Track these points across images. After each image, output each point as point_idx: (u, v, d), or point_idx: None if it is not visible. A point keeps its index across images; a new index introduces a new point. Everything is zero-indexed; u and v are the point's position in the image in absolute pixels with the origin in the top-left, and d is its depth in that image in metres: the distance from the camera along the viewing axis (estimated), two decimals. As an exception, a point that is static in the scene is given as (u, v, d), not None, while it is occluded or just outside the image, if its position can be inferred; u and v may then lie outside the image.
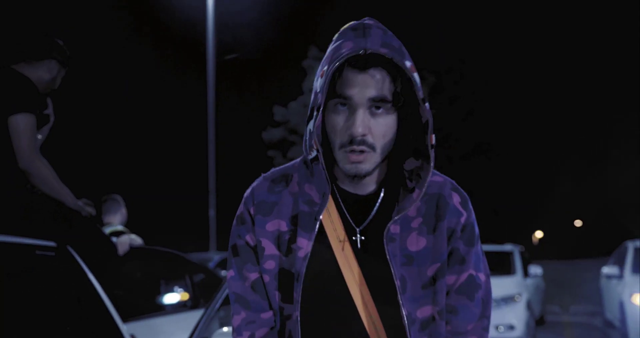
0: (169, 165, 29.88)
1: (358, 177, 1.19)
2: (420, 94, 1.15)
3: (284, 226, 1.23)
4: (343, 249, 1.20)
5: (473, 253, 1.27)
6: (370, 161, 1.16)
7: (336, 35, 1.22)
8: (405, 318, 1.17)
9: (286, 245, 1.21)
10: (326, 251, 1.20)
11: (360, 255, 1.21)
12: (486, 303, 1.27)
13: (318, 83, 1.18)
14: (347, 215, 1.22)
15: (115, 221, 3.68)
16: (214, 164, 17.90)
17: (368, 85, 1.13)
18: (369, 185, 1.24)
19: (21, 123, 2.40)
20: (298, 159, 1.31)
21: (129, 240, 3.07)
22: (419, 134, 1.19)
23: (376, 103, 1.15)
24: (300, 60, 27.34)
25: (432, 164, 1.18)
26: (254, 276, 1.25)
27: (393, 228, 1.20)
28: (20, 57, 2.59)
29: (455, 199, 1.26)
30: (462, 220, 1.25)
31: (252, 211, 1.25)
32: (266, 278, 1.23)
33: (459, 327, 1.24)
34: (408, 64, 1.15)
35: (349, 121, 1.15)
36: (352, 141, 1.14)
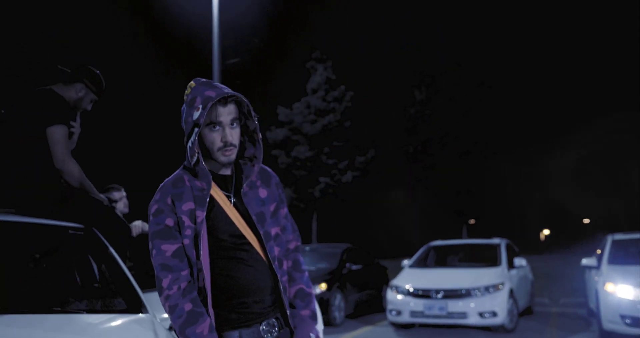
0: (174, 165, 30.39)
1: (229, 164, 2.03)
2: (253, 113, 2.03)
3: (192, 206, 1.97)
4: (229, 208, 2.01)
5: (285, 199, 2.19)
6: (234, 153, 2.01)
7: (190, 89, 2.03)
8: (263, 236, 2.00)
9: (194, 218, 1.95)
10: (221, 213, 1.99)
11: (237, 208, 2.02)
12: (294, 225, 2.19)
13: (194, 114, 1.95)
14: (221, 189, 2.04)
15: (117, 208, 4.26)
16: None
17: (229, 113, 1.98)
18: (229, 169, 2.07)
19: (56, 133, 3.00)
20: (179, 170, 2.09)
21: (142, 224, 3.67)
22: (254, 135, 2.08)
23: (232, 122, 1.99)
24: (303, 61, 27.90)
25: (261, 150, 2.06)
26: (173, 247, 1.93)
27: (244, 188, 2.05)
28: (57, 80, 3.21)
29: (271, 172, 2.17)
30: (278, 180, 2.17)
31: (169, 201, 1.98)
32: (186, 241, 1.94)
33: (288, 236, 2.15)
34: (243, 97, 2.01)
35: (221, 134, 1.98)
36: (225, 144, 1.98)
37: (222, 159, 1.99)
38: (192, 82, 2.04)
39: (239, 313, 1.94)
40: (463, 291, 8.47)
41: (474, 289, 8.46)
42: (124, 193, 4.42)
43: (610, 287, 7.62)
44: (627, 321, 7.22)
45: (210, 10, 18.90)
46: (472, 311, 8.32)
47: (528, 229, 54.81)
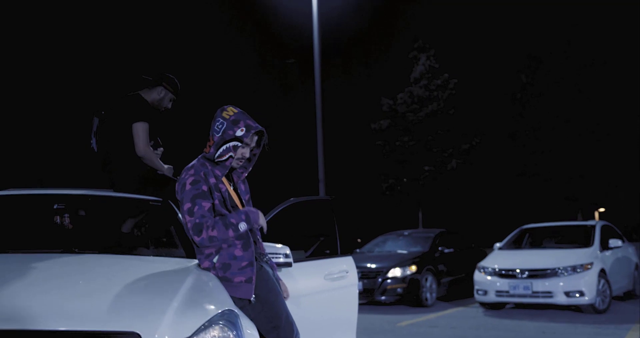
0: (282, 156, 31.80)
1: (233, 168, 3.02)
2: (265, 142, 3.05)
3: (215, 181, 2.86)
4: (231, 191, 2.97)
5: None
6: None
7: (233, 112, 2.96)
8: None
9: (216, 189, 2.86)
10: (228, 193, 2.95)
11: (235, 192, 3.01)
12: None
13: (237, 131, 2.89)
14: (228, 180, 3.01)
15: None
16: (322, 156, 19.25)
17: (253, 140, 2.98)
18: (227, 169, 2.95)
19: (139, 128, 3.77)
20: (199, 158, 2.96)
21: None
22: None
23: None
24: (405, 52, 28.04)
25: (252, 164, 3.08)
26: (209, 204, 2.80)
27: (238, 183, 3.07)
28: (142, 86, 4.00)
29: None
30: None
31: (202, 175, 2.86)
32: (216, 202, 2.85)
33: None
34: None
35: (242, 151, 2.93)
36: (242, 158, 2.95)
37: (234, 165, 2.96)
38: (232, 107, 2.97)
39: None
40: (548, 271, 8.53)
41: (559, 268, 8.49)
42: None
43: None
44: None
45: (310, 3, 19.71)
46: (558, 290, 8.37)
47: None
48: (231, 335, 2.14)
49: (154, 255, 3.27)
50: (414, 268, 10.30)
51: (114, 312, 2.04)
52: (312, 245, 4.19)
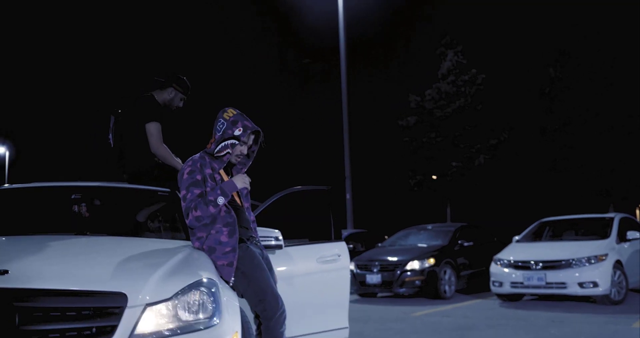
0: (309, 154, 32.16)
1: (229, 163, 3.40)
2: (262, 140, 3.47)
3: (211, 171, 3.23)
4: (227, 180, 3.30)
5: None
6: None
7: (232, 113, 3.34)
8: (244, 201, 3.40)
9: (210, 179, 3.21)
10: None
11: None
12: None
13: (235, 131, 3.27)
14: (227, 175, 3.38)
15: None
16: (348, 152, 19.53)
17: (249, 138, 3.38)
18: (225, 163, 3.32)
19: (151, 127, 4.12)
20: (201, 152, 3.33)
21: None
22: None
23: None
24: (433, 48, 28.06)
25: (251, 161, 3.47)
26: (198, 191, 3.16)
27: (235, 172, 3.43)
28: (154, 87, 4.35)
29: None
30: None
31: (198, 166, 3.23)
32: (208, 189, 3.19)
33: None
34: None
35: (240, 149, 3.33)
36: (240, 155, 3.35)
37: (233, 161, 3.35)
38: (231, 109, 3.34)
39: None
40: (562, 262, 8.63)
41: (573, 260, 8.59)
42: None
43: None
44: None
45: (335, 1, 19.95)
46: (571, 281, 8.47)
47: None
48: (207, 299, 2.45)
49: (161, 236, 3.63)
50: (432, 261, 10.50)
51: (105, 276, 2.36)
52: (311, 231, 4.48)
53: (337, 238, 4.13)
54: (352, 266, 10.87)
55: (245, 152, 3.34)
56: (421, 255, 10.63)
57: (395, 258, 10.69)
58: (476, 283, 11.44)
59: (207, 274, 2.63)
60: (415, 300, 10.44)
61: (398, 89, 28.87)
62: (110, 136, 4.37)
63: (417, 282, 10.34)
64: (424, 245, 11.43)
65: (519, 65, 31.45)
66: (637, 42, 22.65)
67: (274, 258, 3.55)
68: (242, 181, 3.22)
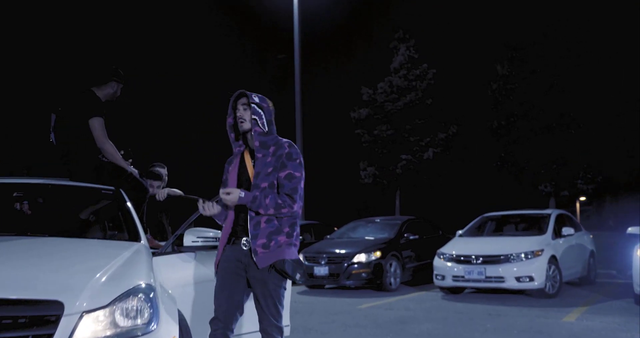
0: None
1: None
2: (251, 98, 3.20)
3: (227, 166, 3.32)
4: (249, 165, 3.20)
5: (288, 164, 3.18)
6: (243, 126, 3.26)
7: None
8: (253, 186, 3.12)
9: (225, 171, 3.30)
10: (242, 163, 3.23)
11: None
12: (289, 185, 3.14)
13: (230, 105, 3.28)
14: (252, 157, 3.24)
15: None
16: (301, 144, 19.59)
17: (238, 103, 3.31)
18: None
19: (95, 123, 4.10)
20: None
21: (168, 190, 4.74)
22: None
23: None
24: (386, 42, 28.38)
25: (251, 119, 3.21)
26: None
27: (257, 156, 3.17)
28: (94, 83, 4.32)
29: (284, 145, 3.16)
30: (286, 151, 3.15)
31: (226, 165, 3.35)
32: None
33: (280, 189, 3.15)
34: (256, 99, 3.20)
35: (238, 113, 3.27)
36: (241, 118, 3.23)
37: (242, 128, 3.19)
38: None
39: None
40: (501, 257, 9.00)
41: (511, 255, 8.96)
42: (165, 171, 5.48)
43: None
44: (654, 284, 7.48)
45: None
46: (509, 275, 8.85)
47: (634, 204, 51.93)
48: (145, 305, 2.51)
49: (101, 239, 3.63)
50: (378, 253, 10.74)
51: (42, 283, 2.38)
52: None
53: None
54: (300, 258, 11.01)
55: (242, 114, 3.18)
56: (368, 248, 10.86)
57: (342, 251, 10.89)
58: (421, 276, 11.77)
59: (145, 279, 2.67)
60: (362, 291, 10.68)
61: (351, 82, 29.07)
62: (52, 134, 4.34)
63: (363, 274, 10.56)
64: (371, 238, 11.67)
65: (469, 61, 32.16)
66: (582, 43, 23.50)
67: (212, 255, 3.62)
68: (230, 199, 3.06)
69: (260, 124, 3.15)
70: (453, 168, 26.52)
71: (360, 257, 10.64)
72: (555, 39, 24.18)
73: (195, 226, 3.71)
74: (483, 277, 8.99)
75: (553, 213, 10.53)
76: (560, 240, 9.85)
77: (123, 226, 3.68)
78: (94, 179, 4.07)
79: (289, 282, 3.34)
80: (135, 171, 4.32)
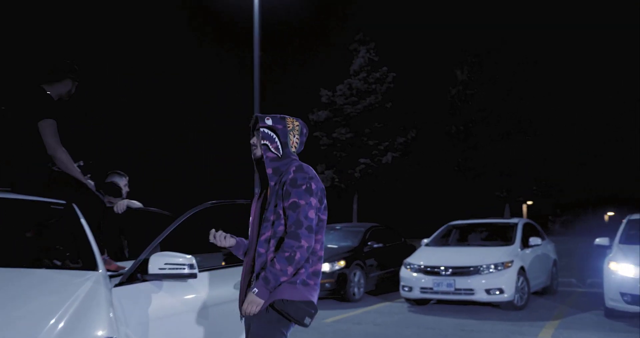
0: (217, 145, 31.40)
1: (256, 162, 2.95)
2: (259, 124, 2.88)
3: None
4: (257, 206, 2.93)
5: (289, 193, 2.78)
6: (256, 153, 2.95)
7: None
8: (263, 219, 2.78)
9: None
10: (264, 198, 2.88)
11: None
12: (292, 216, 2.71)
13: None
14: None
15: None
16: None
17: (254, 129, 3.00)
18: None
19: (45, 125, 3.54)
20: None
21: (128, 202, 4.21)
22: None
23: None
24: (346, 44, 28.11)
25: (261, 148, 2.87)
26: None
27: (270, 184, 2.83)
28: (46, 79, 3.75)
29: (291, 172, 2.75)
30: (287, 178, 2.73)
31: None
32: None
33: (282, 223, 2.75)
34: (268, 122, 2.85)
35: (252, 140, 2.93)
36: (253, 145, 2.91)
37: (254, 155, 2.89)
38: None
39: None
40: (471, 269, 8.75)
41: (481, 266, 8.72)
42: (124, 180, 4.90)
43: (613, 266, 7.75)
44: (627, 299, 7.36)
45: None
46: (478, 287, 8.60)
47: (590, 211, 53.54)
48: None
49: (50, 264, 3.07)
50: (342, 263, 10.36)
51: None
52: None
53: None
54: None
55: (253, 141, 2.90)
56: (331, 257, 10.46)
57: (305, 260, 10.44)
58: (384, 285, 11.46)
59: (106, 330, 2.19)
60: (325, 302, 10.27)
61: (311, 84, 28.72)
62: None
63: (327, 285, 10.16)
64: (334, 246, 11.28)
65: (428, 65, 32.29)
66: (539, 51, 23.80)
67: (182, 285, 3.14)
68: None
69: (272, 149, 2.81)
70: (412, 172, 26.48)
71: (324, 267, 10.23)
72: (513, 46, 24.43)
73: (163, 249, 3.21)
74: (452, 289, 8.72)
75: (520, 222, 10.38)
76: (528, 250, 9.70)
77: (76, 249, 3.13)
78: (42, 191, 3.52)
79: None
80: (91, 183, 3.77)
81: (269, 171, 2.78)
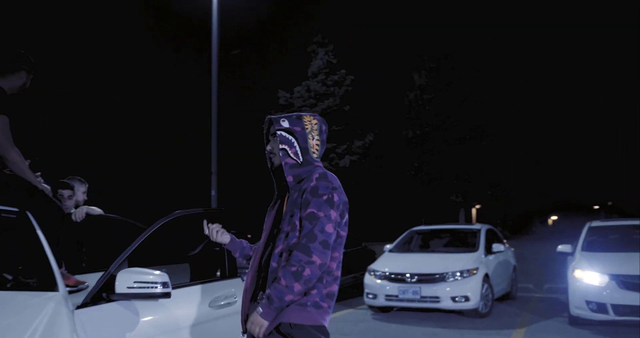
0: (174, 148, 30.71)
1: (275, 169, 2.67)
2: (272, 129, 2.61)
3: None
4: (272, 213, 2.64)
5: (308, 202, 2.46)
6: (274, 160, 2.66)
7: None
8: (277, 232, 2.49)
9: None
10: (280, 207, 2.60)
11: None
12: (306, 226, 2.40)
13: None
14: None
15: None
16: (216, 147, 18.64)
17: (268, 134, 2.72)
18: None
19: None
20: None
21: (87, 209, 3.83)
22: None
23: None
24: (305, 46, 27.87)
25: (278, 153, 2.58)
26: None
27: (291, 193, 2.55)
28: None
29: (313, 180, 2.44)
30: (307, 187, 2.42)
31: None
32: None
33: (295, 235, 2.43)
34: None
35: (267, 147, 2.66)
36: (270, 152, 2.65)
37: (273, 162, 2.63)
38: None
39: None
40: (437, 276, 8.62)
41: (447, 274, 8.61)
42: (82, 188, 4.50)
43: (578, 273, 7.75)
44: (592, 307, 7.35)
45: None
46: (444, 295, 8.48)
47: (534, 214, 54.99)
48: None
49: (2, 281, 2.68)
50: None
51: None
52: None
53: (232, 274, 3.46)
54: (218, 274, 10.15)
55: (269, 148, 2.64)
56: (293, 263, 10.17)
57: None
58: (346, 291, 11.25)
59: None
60: (286, 310, 9.97)
61: (269, 85, 28.34)
62: None
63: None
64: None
65: (387, 69, 32.40)
66: (496, 58, 24.18)
67: (153, 304, 2.82)
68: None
69: (292, 154, 2.50)
70: (369, 176, 26.45)
71: (286, 273, 9.93)
72: (470, 53, 24.74)
73: (131, 264, 2.88)
74: (418, 297, 8.57)
75: (482, 228, 10.35)
76: (491, 257, 9.67)
77: (31, 265, 2.76)
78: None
79: None
80: (47, 188, 3.39)
81: (289, 178, 2.48)
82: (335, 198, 2.39)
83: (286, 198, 2.51)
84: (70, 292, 2.94)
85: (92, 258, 4.18)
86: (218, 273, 4.04)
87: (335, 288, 2.44)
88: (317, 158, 2.56)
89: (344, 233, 2.45)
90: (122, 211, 4.58)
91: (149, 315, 2.76)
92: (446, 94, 24.65)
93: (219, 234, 2.68)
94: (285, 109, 26.52)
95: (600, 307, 7.28)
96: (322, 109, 25.91)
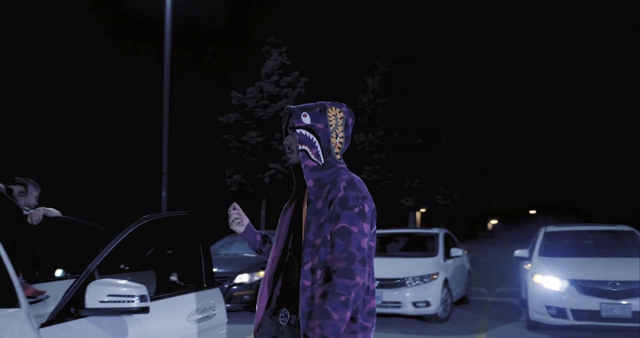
0: (124, 147, 29.81)
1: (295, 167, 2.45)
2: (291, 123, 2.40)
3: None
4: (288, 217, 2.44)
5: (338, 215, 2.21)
6: (291, 158, 2.45)
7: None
8: (303, 243, 2.19)
9: None
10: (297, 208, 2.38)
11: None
12: (341, 245, 2.15)
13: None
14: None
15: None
16: (167, 147, 18.11)
17: (288, 127, 2.50)
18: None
19: None
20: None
21: (44, 211, 3.51)
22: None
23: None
24: (259, 46, 27.54)
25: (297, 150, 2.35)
26: None
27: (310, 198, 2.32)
28: None
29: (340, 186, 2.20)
30: (336, 195, 2.18)
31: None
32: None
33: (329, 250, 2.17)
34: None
35: (286, 141, 2.44)
36: (289, 148, 2.41)
37: (290, 160, 2.42)
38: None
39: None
40: (397, 281, 8.54)
41: (408, 279, 8.55)
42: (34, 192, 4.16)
43: (538, 278, 7.81)
44: (552, 312, 7.42)
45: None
46: (406, 300, 8.41)
47: (475, 218, 56.29)
48: None
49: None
50: (262, 274, 9.84)
51: None
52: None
53: (210, 284, 3.22)
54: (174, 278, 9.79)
55: (287, 142, 2.41)
56: (250, 267, 9.92)
57: (222, 270, 9.82)
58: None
59: None
60: (242, 316, 9.68)
61: (222, 84, 27.84)
62: None
63: (245, 297, 9.60)
64: (252, 255, 10.74)
65: (340, 72, 32.43)
66: (449, 65, 24.53)
67: (128, 319, 2.55)
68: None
69: (312, 155, 2.26)
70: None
71: (243, 277, 9.67)
72: (422, 58, 25.01)
73: (103, 273, 2.59)
74: (379, 302, 8.46)
75: (440, 232, 10.36)
76: (449, 261, 9.68)
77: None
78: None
79: None
80: (2, 187, 3.07)
81: (309, 183, 2.26)
82: (366, 209, 2.18)
83: (305, 201, 2.28)
84: (30, 303, 2.63)
85: (44, 264, 3.85)
86: (173, 277, 3.80)
87: (373, 303, 2.25)
88: (339, 157, 2.35)
89: (373, 244, 2.25)
90: (67, 213, 4.24)
91: (122, 332, 2.49)
92: (400, 98, 24.84)
93: (234, 222, 2.50)
94: (238, 109, 26.11)
95: (560, 312, 7.35)
96: (275, 111, 25.66)
